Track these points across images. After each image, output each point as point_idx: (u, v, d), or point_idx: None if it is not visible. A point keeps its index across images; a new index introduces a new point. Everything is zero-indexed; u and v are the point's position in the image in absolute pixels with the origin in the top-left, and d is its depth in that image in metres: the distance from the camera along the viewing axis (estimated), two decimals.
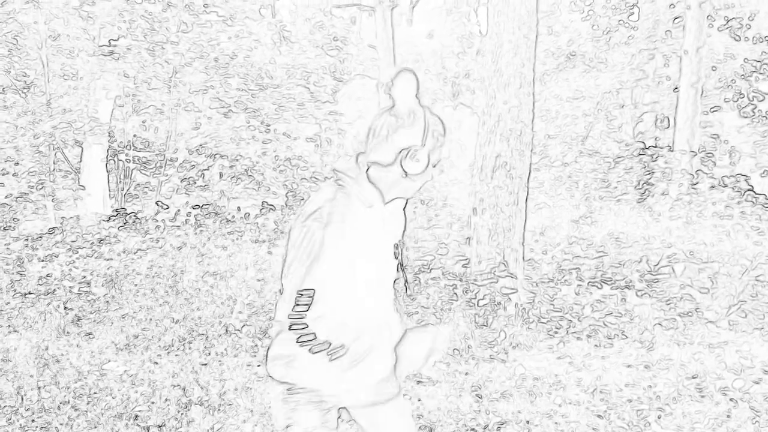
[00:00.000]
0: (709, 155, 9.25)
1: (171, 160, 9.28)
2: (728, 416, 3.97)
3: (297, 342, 1.80)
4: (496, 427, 3.79)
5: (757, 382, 4.48)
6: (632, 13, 10.54)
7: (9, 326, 5.54)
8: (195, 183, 9.16)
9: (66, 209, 8.64)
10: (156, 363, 4.79)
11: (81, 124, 8.71)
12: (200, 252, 7.24)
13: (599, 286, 6.62)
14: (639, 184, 9.65)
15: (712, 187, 8.72)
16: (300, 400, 1.86)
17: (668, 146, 9.58)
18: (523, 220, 6.28)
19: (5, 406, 3.95)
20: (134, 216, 8.39)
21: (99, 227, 8.02)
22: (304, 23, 10.41)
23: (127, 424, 3.74)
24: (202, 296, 6.13)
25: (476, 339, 5.24)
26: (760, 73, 9.66)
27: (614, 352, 5.14)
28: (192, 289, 6.30)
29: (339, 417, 1.96)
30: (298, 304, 1.81)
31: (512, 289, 6.04)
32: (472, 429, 3.78)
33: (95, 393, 4.18)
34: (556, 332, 5.54)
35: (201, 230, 8.03)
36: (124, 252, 7.27)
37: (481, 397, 4.22)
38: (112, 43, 8.79)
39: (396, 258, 1.95)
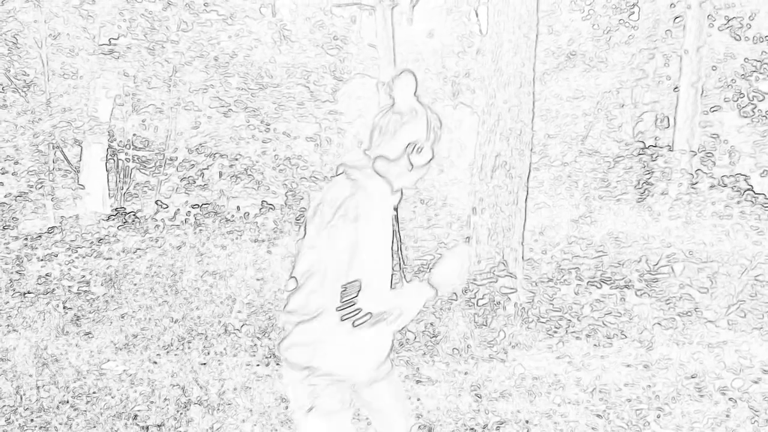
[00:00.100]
0: (708, 155, 9.25)
1: (170, 160, 9.28)
2: (727, 416, 3.97)
3: (353, 325, 1.95)
4: (496, 427, 3.79)
5: (756, 382, 4.48)
6: (632, 13, 10.53)
7: (8, 326, 5.54)
8: (194, 182, 9.16)
9: (65, 208, 8.64)
10: (155, 362, 4.79)
11: (81, 123, 8.70)
12: (199, 251, 7.24)
13: (598, 285, 6.62)
14: (639, 183, 9.65)
15: (712, 186, 8.72)
16: (321, 383, 2.00)
17: (668, 146, 9.58)
18: (522, 219, 6.28)
19: (4, 406, 3.95)
20: (133, 215, 8.39)
21: (98, 226, 8.02)
22: (305, 22, 10.40)
23: (126, 424, 3.75)
24: (202, 296, 6.14)
25: (475, 338, 5.24)
26: (761, 73, 9.65)
27: (613, 352, 5.14)
28: (191, 288, 6.30)
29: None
30: (347, 295, 1.94)
31: (512, 288, 6.04)
32: (472, 429, 3.78)
33: (94, 392, 4.18)
34: (555, 332, 5.54)
35: (200, 229, 8.03)
36: (123, 251, 7.27)
37: (480, 397, 4.22)
38: (112, 41, 8.79)
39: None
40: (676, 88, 9.51)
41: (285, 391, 2.09)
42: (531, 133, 6.30)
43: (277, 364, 4.78)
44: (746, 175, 8.69)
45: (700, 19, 9.28)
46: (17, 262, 6.80)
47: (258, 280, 6.42)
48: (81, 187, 8.84)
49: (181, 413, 3.89)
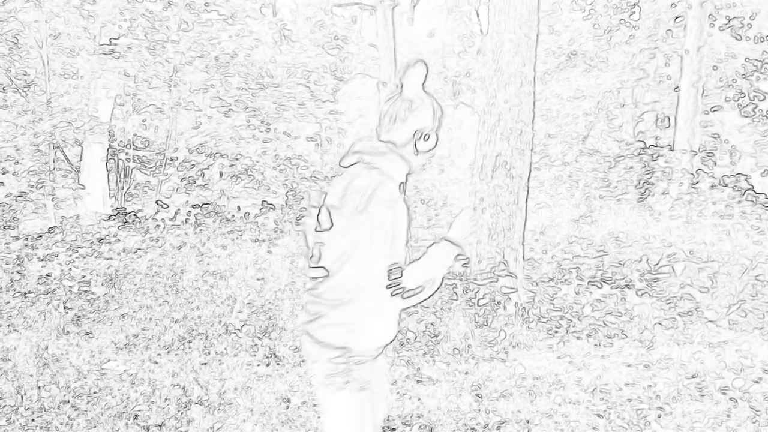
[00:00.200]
0: (709, 155, 9.24)
1: (171, 159, 9.28)
2: (728, 415, 3.97)
3: (403, 297, 2.12)
4: (496, 427, 3.79)
5: (756, 382, 4.48)
6: (633, 12, 10.53)
7: (9, 326, 5.54)
8: (195, 182, 9.16)
9: (66, 208, 8.64)
10: (156, 362, 4.79)
11: (81, 123, 8.70)
12: (200, 251, 7.24)
13: (599, 285, 6.61)
14: (639, 183, 9.65)
15: (713, 186, 8.72)
16: (354, 360, 2.14)
17: (669, 145, 9.57)
18: (523, 219, 6.27)
19: (5, 406, 3.95)
20: (134, 215, 8.39)
21: (99, 226, 8.02)
22: (305, 22, 10.40)
23: (126, 424, 3.75)
24: (202, 295, 6.13)
25: (476, 338, 5.23)
26: (761, 73, 9.65)
27: (614, 352, 5.13)
28: (192, 288, 6.30)
29: None
30: (393, 276, 2.09)
31: (512, 288, 6.04)
32: (472, 428, 3.78)
33: (95, 392, 4.18)
34: (556, 332, 5.54)
35: (201, 229, 8.03)
36: (123, 251, 7.27)
37: (481, 397, 4.22)
38: (113, 41, 8.79)
39: None
40: (676, 87, 9.50)
41: (310, 369, 2.21)
42: (531, 132, 6.29)
43: (278, 364, 4.78)
44: (747, 175, 8.68)
45: (700, 19, 9.28)
46: (18, 262, 6.81)
47: (258, 280, 6.42)
48: (81, 187, 8.84)
49: (181, 413, 3.89)
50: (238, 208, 8.74)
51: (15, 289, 6.28)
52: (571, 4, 10.66)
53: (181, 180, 9.16)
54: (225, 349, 5.02)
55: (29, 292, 6.23)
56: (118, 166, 9.30)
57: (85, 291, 6.31)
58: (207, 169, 9.24)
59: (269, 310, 5.74)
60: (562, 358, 4.98)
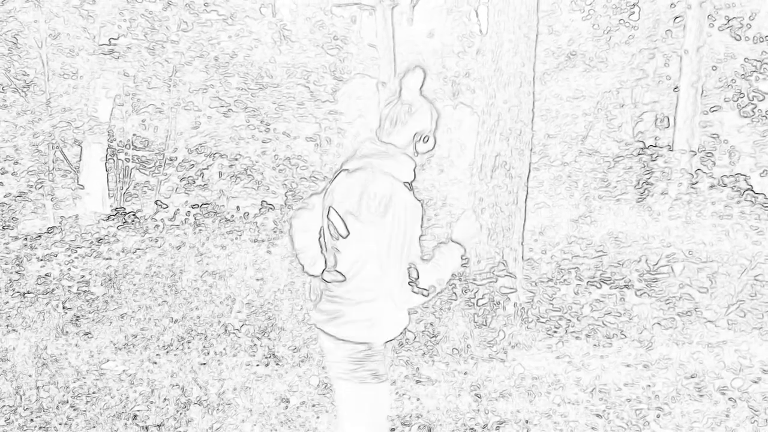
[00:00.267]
0: (708, 155, 9.25)
1: (170, 159, 9.28)
2: (727, 415, 3.97)
3: (425, 296, 2.24)
4: (495, 427, 3.79)
5: (755, 382, 4.48)
6: (633, 13, 10.53)
7: (8, 326, 5.53)
8: (194, 182, 9.16)
9: (65, 208, 8.64)
10: (155, 362, 4.78)
11: (80, 123, 8.70)
12: (199, 251, 7.24)
13: (598, 285, 6.62)
14: (638, 183, 9.65)
15: (712, 186, 8.72)
16: (376, 354, 2.26)
17: (668, 146, 9.58)
18: (522, 219, 6.27)
19: (4, 406, 3.95)
20: (133, 215, 8.39)
21: (98, 226, 8.02)
22: (305, 22, 10.40)
23: (125, 424, 3.74)
24: (201, 296, 6.13)
25: (475, 338, 5.23)
26: (761, 73, 9.65)
27: (613, 352, 5.14)
28: (191, 288, 6.30)
29: None
30: (411, 275, 2.19)
31: (511, 288, 6.04)
32: (471, 428, 3.78)
33: (94, 393, 4.18)
34: (555, 332, 5.54)
35: (200, 229, 8.03)
36: (123, 251, 7.27)
37: (480, 397, 4.22)
38: (112, 41, 8.78)
39: None
40: (676, 88, 9.51)
41: (328, 365, 2.34)
42: (531, 133, 6.29)
43: (277, 364, 4.78)
44: (746, 175, 8.68)
45: (700, 19, 9.28)
46: (17, 262, 6.80)
47: (258, 280, 6.42)
48: (81, 187, 8.84)
49: (180, 413, 3.89)
50: (238, 208, 8.73)
51: (14, 289, 6.28)
52: (571, 5, 10.66)
53: (181, 180, 9.16)
54: (224, 349, 5.02)
55: (28, 292, 6.23)
56: (117, 166, 9.30)
57: (84, 291, 6.31)
58: (206, 169, 9.24)
59: (268, 311, 5.74)
60: (561, 358, 4.99)
